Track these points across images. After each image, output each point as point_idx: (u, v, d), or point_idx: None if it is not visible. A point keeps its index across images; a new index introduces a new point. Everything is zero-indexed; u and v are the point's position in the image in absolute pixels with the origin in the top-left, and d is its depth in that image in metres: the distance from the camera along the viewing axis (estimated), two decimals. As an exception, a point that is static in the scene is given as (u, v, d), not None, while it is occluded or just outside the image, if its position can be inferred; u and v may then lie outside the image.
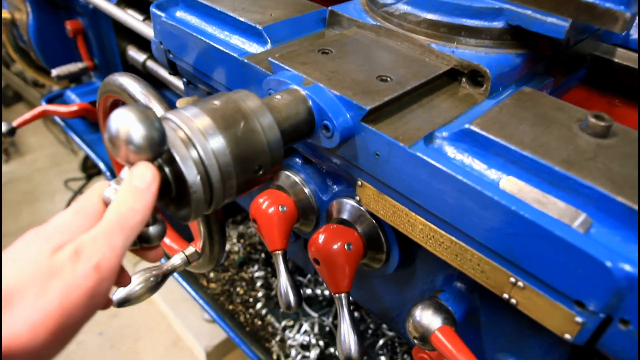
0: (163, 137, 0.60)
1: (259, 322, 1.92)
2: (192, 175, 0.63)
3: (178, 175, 0.64)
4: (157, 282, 1.03)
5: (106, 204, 0.63)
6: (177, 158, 0.63)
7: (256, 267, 2.13)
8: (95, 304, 0.56)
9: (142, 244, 0.68)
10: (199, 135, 0.65)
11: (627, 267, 0.56)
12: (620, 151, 0.69)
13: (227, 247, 2.19)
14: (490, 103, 0.83)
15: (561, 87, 1.11)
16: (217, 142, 0.66)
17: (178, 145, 0.64)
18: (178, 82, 1.72)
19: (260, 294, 2.01)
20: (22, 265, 0.54)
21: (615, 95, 1.20)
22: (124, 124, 0.58)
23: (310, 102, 0.78)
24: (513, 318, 0.81)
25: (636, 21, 1.07)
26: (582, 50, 1.09)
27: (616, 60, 1.13)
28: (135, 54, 2.00)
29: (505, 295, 0.70)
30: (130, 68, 2.08)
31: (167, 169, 0.66)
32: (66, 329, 0.53)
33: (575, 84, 1.20)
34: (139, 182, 0.60)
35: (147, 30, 1.61)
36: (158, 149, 0.60)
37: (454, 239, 0.73)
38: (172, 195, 0.69)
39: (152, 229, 0.67)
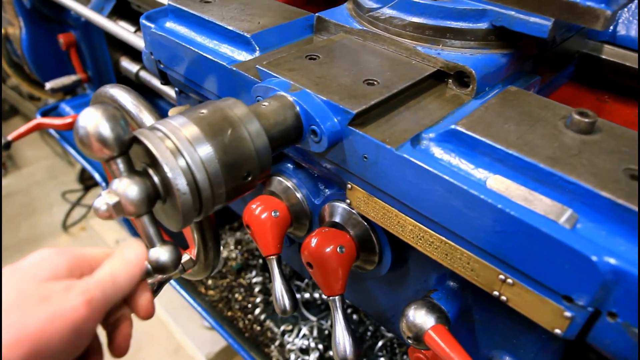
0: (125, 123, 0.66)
1: (258, 328, 1.92)
2: (180, 183, 0.64)
3: (167, 184, 0.65)
4: (153, 291, 1.03)
5: (95, 212, 0.64)
6: (165, 167, 0.64)
7: (254, 272, 2.13)
8: (78, 341, 0.57)
9: (157, 273, 0.70)
10: (186, 144, 0.66)
11: (612, 261, 0.57)
12: (604, 147, 0.70)
13: (225, 253, 2.20)
14: (477, 103, 0.84)
15: (550, 85, 1.12)
16: (205, 150, 0.67)
17: (166, 154, 0.65)
18: (171, 92, 1.73)
19: (258, 300, 2.02)
20: (13, 288, 0.56)
21: (604, 91, 1.21)
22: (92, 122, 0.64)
23: (297, 108, 0.79)
24: (506, 315, 0.81)
25: (630, 19, 1.08)
26: (569, 47, 1.10)
27: (604, 57, 1.14)
28: (128, 65, 2.01)
29: (496, 293, 0.70)
30: (124, 79, 2.09)
31: (156, 178, 0.67)
32: (42, 356, 0.53)
33: (564, 82, 1.21)
34: (131, 256, 0.67)
35: (138, 41, 1.62)
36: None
37: (443, 238, 0.74)
38: (162, 203, 0.69)
39: (163, 255, 0.69)
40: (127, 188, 0.65)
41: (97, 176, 2.12)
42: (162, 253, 0.69)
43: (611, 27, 1.11)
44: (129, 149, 0.67)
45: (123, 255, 0.66)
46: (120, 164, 0.66)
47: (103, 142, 0.64)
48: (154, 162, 0.66)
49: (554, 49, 1.03)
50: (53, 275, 0.59)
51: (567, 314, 0.62)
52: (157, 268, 0.69)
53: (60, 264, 0.61)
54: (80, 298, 0.57)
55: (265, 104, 0.79)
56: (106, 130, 0.64)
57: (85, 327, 0.57)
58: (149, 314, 0.70)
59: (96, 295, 0.59)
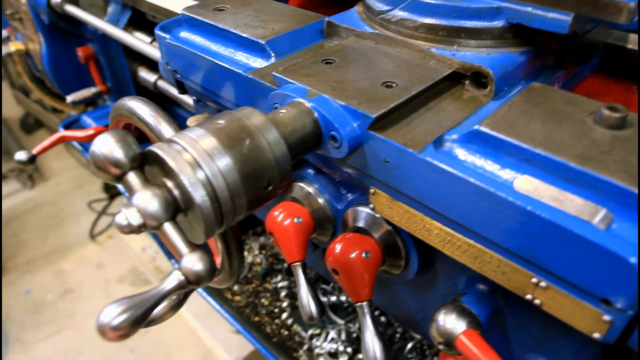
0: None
1: (286, 332, 1.91)
2: (200, 196, 0.64)
3: (187, 197, 0.65)
4: (179, 301, 1.03)
5: (117, 228, 0.64)
6: (184, 180, 0.63)
7: (279, 277, 2.13)
8: None
9: (192, 285, 0.65)
10: (205, 156, 0.65)
11: (652, 262, 0.54)
12: (637, 142, 0.66)
13: (250, 258, 2.20)
14: (497, 103, 0.81)
15: (574, 78, 1.09)
16: (224, 162, 0.66)
17: (185, 167, 0.64)
18: (189, 100, 1.73)
19: (285, 304, 2.01)
20: None
21: (631, 81, 1.17)
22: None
23: (315, 114, 0.78)
24: (540, 318, 0.79)
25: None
26: (592, 38, 1.06)
27: (629, 46, 1.10)
28: (146, 75, 2.02)
29: (529, 296, 0.68)
30: (142, 89, 2.11)
31: (176, 192, 0.66)
32: None
33: (589, 73, 1.18)
34: None
35: (154, 52, 1.63)
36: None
37: (471, 242, 0.72)
38: (184, 216, 0.69)
39: (197, 263, 0.64)
40: (148, 203, 0.65)
41: (120, 186, 2.14)
42: (195, 261, 0.64)
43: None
44: (141, 165, 0.67)
45: None
46: (134, 178, 0.66)
47: (114, 163, 0.64)
48: (172, 176, 0.65)
49: (577, 41, 0.99)
50: None
51: (606, 317, 0.60)
52: (193, 280, 0.64)
53: None
54: None
55: (283, 111, 0.78)
56: (115, 149, 0.65)
57: None
58: None
59: None
